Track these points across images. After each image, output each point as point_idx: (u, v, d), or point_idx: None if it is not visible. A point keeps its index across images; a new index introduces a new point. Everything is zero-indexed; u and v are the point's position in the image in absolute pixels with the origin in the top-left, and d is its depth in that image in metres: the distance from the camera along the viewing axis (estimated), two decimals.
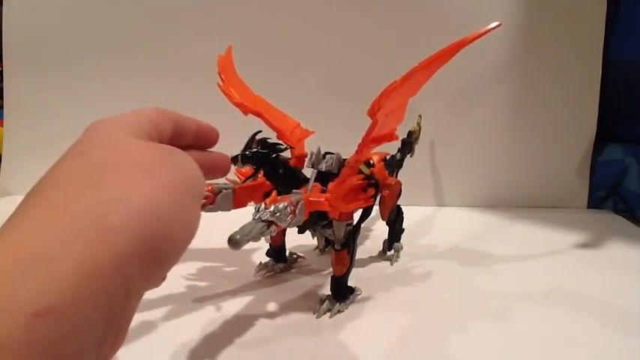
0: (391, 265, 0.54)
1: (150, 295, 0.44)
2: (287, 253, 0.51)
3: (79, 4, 0.73)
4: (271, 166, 0.43)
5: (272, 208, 0.35)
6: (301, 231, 0.43)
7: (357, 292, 0.46)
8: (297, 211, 0.37)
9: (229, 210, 0.44)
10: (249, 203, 0.45)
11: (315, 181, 0.43)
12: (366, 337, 0.40)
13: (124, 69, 0.75)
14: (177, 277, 0.49)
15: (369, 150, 0.42)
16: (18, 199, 0.20)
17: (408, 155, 0.60)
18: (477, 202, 0.77)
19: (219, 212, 0.44)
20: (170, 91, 0.75)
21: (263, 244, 0.38)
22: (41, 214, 0.19)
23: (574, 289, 0.49)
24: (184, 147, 0.26)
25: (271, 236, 0.35)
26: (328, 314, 0.42)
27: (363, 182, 0.43)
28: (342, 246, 0.43)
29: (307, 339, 0.39)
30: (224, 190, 0.43)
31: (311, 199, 0.39)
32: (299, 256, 0.53)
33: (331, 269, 0.44)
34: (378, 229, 0.64)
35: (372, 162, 0.48)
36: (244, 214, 0.38)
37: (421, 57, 0.35)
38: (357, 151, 0.41)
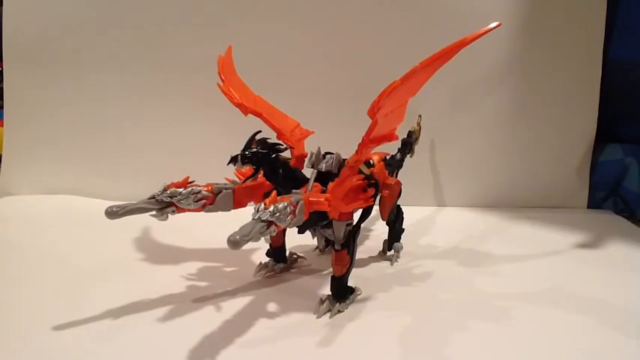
0: (391, 265, 0.54)
1: (150, 295, 0.45)
2: (287, 253, 0.51)
3: (79, 4, 0.73)
4: (271, 166, 0.43)
5: (272, 209, 0.35)
6: (301, 231, 0.43)
7: (357, 292, 0.46)
8: (297, 211, 0.37)
9: (229, 210, 0.44)
10: (249, 203, 0.45)
11: (315, 181, 0.43)
12: (366, 337, 0.40)
13: (124, 69, 0.74)
14: (178, 277, 0.49)
15: (369, 150, 0.42)
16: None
17: (408, 155, 0.60)
18: (477, 202, 0.77)
19: (219, 212, 0.44)
20: (170, 91, 0.75)
21: (263, 244, 0.38)
22: None
23: (574, 289, 0.49)
24: None
25: (271, 236, 0.35)
26: (328, 314, 0.42)
27: (363, 182, 0.43)
28: (342, 246, 0.43)
29: (307, 339, 0.39)
30: (224, 190, 0.44)
31: (311, 199, 0.39)
32: (299, 256, 0.53)
33: (331, 269, 0.44)
34: (378, 229, 0.64)
35: (372, 162, 0.48)
36: (244, 214, 0.38)
37: (421, 57, 0.35)
38: (357, 151, 0.41)
